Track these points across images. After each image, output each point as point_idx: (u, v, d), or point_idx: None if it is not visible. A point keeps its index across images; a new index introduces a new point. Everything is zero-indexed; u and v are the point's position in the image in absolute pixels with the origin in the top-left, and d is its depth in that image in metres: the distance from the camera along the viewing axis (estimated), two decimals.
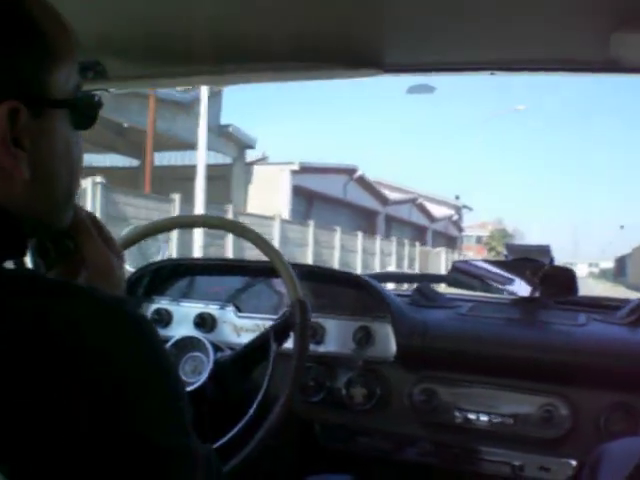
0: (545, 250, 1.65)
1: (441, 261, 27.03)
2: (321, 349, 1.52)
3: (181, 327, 1.61)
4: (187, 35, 1.19)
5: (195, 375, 1.31)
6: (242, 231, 1.38)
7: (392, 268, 22.26)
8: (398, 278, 1.99)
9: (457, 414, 1.44)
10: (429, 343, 1.47)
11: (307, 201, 22.17)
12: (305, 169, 20.16)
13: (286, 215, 17.90)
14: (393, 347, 1.50)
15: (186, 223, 1.37)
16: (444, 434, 1.47)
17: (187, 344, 1.37)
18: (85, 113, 0.70)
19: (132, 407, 0.55)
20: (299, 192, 20.40)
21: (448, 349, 1.48)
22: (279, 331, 1.27)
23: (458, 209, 39.65)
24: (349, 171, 23.91)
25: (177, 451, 0.57)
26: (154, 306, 1.68)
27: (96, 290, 0.64)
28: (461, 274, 1.66)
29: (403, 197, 30.30)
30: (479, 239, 46.84)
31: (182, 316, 1.64)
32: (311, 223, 18.15)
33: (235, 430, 1.19)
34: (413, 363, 1.49)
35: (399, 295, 1.62)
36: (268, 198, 18.26)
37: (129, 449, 0.53)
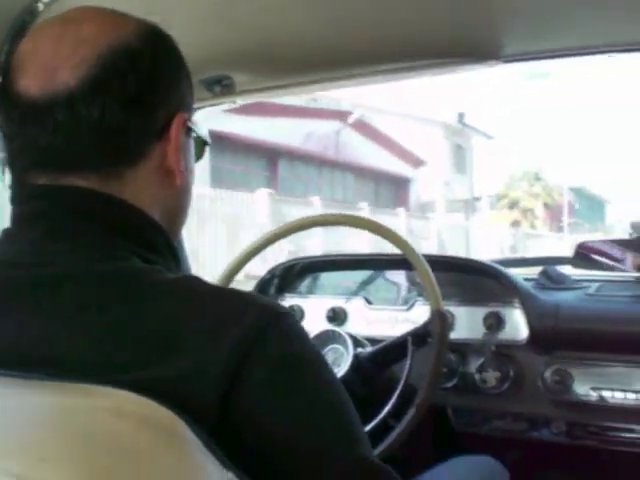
0: None
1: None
2: (452, 336, 1.56)
3: (314, 321, 1.69)
4: (308, 44, 1.25)
5: (335, 367, 1.38)
6: (377, 228, 1.40)
7: None
8: (522, 262, 2.00)
9: (591, 393, 1.45)
10: (561, 324, 1.48)
11: None
12: None
13: None
14: (524, 330, 1.52)
15: (311, 223, 1.44)
16: (578, 413, 1.48)
17: (327, 337, 1.45)
18: (201, 148, 0.77)
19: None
20: None
21: (580, 329, 1.49)
22: (417, 338, 1.36)
23: (460, 134, 22.56)
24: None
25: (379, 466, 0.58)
26: (286, 303, 1.76)
27: (262, 296, 0.67)
28: (585, 254, 1.66)
29: None
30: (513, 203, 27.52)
31: (314, 311, 1.72)
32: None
33: (375, 421, 1.26)
34: (545, 345, 1.51)
35: (525, 279, 1.64)
36: None
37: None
